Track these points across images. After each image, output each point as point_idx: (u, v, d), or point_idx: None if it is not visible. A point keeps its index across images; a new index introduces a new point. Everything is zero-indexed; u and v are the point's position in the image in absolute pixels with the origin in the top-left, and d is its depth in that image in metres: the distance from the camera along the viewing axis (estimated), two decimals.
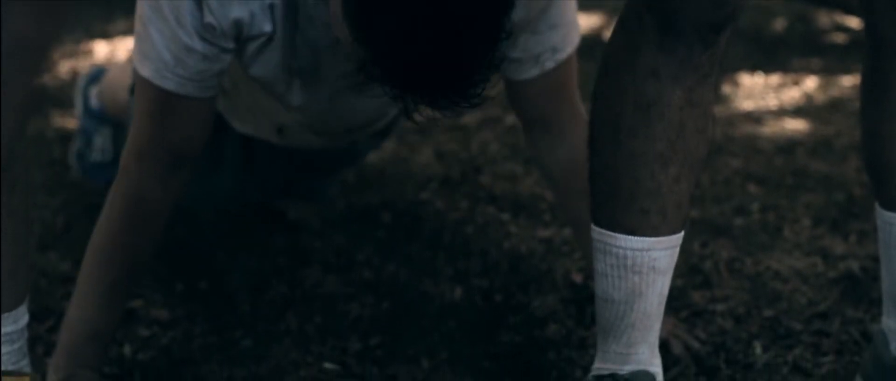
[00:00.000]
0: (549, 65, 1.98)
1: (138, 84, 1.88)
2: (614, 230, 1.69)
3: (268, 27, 1.84)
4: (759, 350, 2.10)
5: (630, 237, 1.68)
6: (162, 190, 1.90)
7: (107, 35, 4.51)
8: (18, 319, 1.61)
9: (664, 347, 1.98)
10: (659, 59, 1.63)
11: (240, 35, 1.84)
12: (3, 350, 1.61)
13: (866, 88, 1.81)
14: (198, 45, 1.81)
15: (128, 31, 4.57)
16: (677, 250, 1.72)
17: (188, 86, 1.84)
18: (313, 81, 1.95)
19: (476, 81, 1.62)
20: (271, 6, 1.83)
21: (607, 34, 1.98)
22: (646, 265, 1.69)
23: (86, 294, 1.91)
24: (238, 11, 1.81)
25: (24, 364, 1.64)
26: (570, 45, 2.01)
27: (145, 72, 1.85)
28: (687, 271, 2.37)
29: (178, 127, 1.88)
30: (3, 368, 1.61)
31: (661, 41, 1.62)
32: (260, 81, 1.96)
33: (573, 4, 2.04)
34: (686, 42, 1.62)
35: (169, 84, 1.84)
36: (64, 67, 4.01)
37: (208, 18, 1.79)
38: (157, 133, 1.88)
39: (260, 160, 2.43)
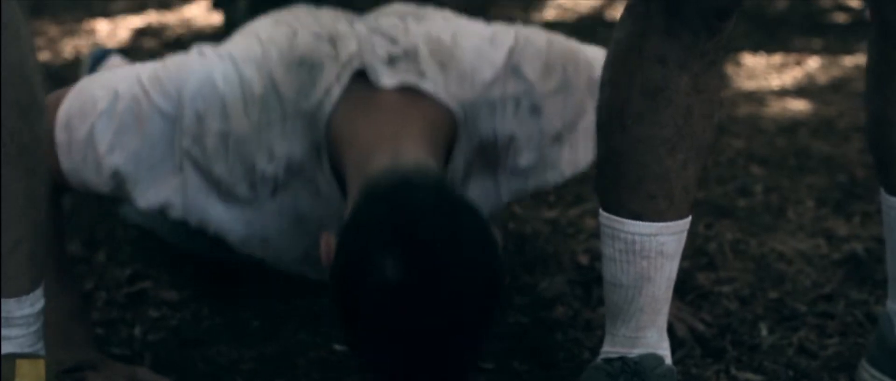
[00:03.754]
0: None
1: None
2: (622, 215, 1.70)
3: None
4: (764, 332, 2.11)
5: (638, 222, 1.69)
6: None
7: (108, 14, 4.51)
8: (35, 302, 1.62)
9: (668, 330, 2.00)
10: (666, 45, 1.64)
11: (186, 219, 1.92)
12: (20, 333, 1.61)
13: (872, 73, 1.82)
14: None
15: (128, 10, 4.57)
16: (685, 234, 1.73)
17: (75, 179, 1.89)
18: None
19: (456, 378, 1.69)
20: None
21: (607, 15, 2.00)
22: (654, 250, 1.70)
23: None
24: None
25: (39, 347, 1.65)
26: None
27: (59, 136, 1.86)
28: (692, 252, 2.38)
29: (58, 179, 1.90)
30: (19, 351, 1.62)
31: (667, 27, 1.63)
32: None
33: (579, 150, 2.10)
34: (692, 28, 1.63)
35: (65, 164, 1.87)
36: (66, 46, 4.02)
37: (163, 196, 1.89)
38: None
39: None
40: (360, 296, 1.61)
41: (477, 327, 1.64)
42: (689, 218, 1.73)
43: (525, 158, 2.00)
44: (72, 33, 4.17)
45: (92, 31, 4.23)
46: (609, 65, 1.70)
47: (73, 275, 2.00)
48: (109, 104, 1.87)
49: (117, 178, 1.87)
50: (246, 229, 1.94)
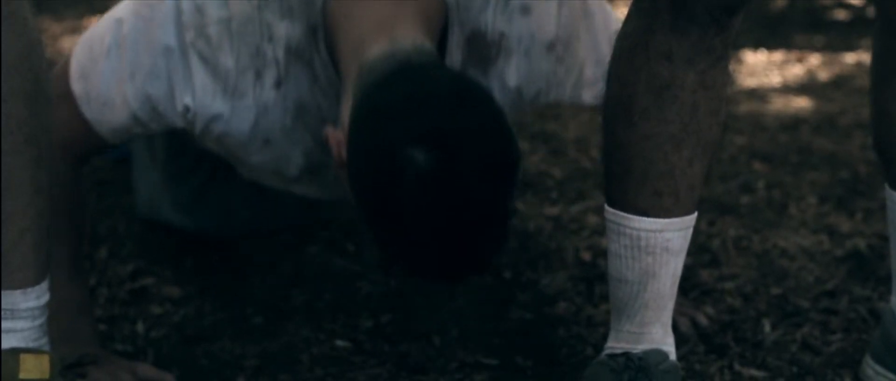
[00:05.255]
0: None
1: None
2: (628, 211, 1.70)
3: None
4: (767, 328, 2.11)
5: (643, 219, 1.69)
6: (77, 172, 1.95)
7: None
8: (41, 295, 1.62)
9: (672, 325, 2.00)
10: (672, 41, 1.63)
11: (194, 125, 1.88)
12: (24, 326, 1.60)
13: (876, 69, 1.82)
14: (140, 112, 1.85)
15: None
16: (690, 230, 1.73)
17: (103, 127, 1.87)
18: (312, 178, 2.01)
19: (488, 264, 1.70)
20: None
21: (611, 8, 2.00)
22: (659, 246, 1.70)
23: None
24: (219, 106, 1.85)
25: (44, 342, 1.64)
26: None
27: (76, 87, 1.86)
28: (695, 249, 2.38)
29: (85, 142, 1.92)
30: (24, 344, 1.61)
31: (674, 24, 1.63)
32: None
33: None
34: (699, 25, 1.62)
35: (89, 113, 1.87)
36: (66, 43, 4.02)
37: (185, 99, 1.84)
38: (68, 139, 1.89)
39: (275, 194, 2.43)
40: (394, 190, 1.59)
41: (509, 202, 1.65)
42: (695, 214, 1.73)
43: (515, 68, 1.94)
44: (73, 31, 4.16)
45: None
46: (615, 60, 1.70)
47: (84, 270, 1.99)
48: (114, 35, 1.84)
49: (149, 102, 1.85)
50: (250, 128, 1.91)
